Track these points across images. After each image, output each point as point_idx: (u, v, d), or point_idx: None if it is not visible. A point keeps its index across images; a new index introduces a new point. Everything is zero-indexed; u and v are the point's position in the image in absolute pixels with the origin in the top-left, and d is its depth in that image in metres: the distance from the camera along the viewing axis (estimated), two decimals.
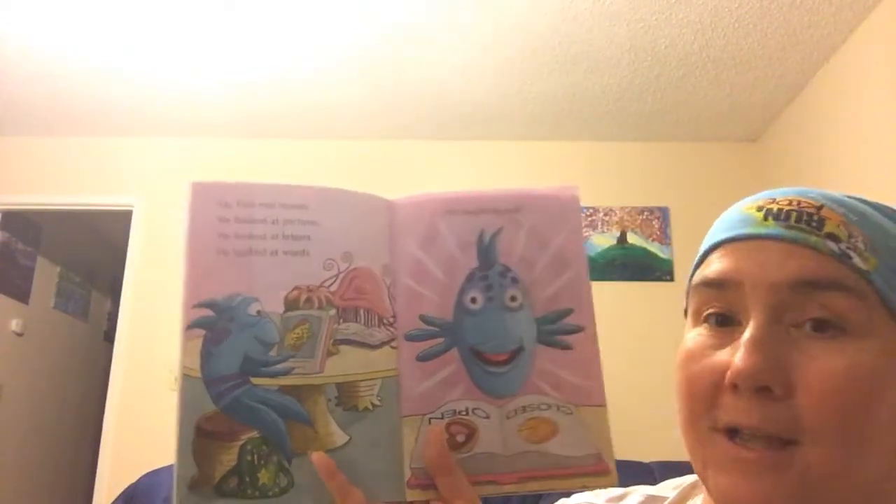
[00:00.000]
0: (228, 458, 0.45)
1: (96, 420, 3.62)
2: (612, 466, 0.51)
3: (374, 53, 2.97)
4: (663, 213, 3.54)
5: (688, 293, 0.55)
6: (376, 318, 0.49)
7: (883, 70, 2.59)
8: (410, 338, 0.50)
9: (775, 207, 0.50)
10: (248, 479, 0.45)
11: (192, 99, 3.33)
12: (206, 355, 0.46)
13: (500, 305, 0.51)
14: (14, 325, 3.95)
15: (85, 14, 2.73)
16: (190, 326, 0.46)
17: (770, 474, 0.46)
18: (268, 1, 2.65)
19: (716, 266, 0.51)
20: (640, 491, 0.63)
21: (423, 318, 0.50)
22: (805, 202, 0.50)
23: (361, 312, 0.49)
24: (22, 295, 4.04)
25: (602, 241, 3.53)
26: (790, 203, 0.50)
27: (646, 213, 3.55)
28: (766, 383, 0.46)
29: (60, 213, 3.92)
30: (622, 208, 3.56)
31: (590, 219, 3.54)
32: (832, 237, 0.48)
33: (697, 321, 0.53)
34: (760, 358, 0.46)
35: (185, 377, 0.46)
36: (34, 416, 4.14)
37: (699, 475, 0.52)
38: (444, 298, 0.50)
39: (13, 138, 3.65)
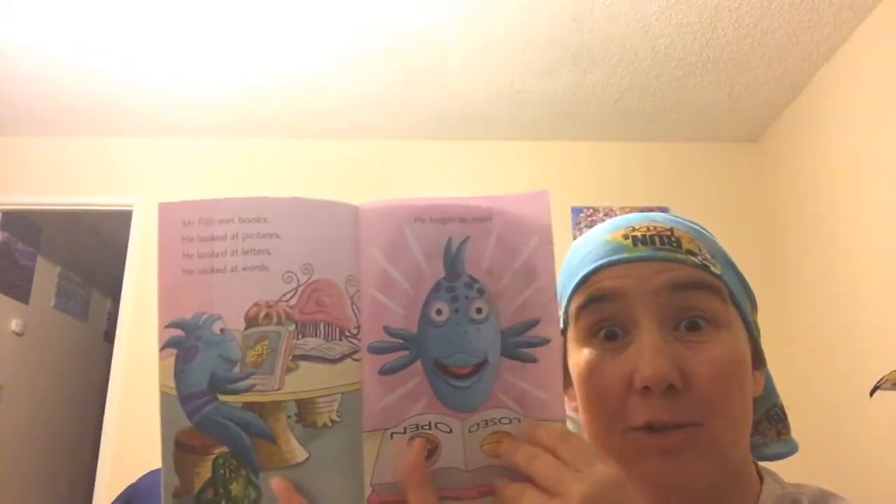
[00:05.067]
0: (204, 471, 0.47)
1: (96, 420, 3.62)
2: None
3: (374, 53, 2.97)
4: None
5: (568, 319, 0.62)
6: (337, 330, 0.48)
7: (883, 70, 2.59)
8: (374, 350, 0.49)
9: (639, 234, 0.60)
10: (221, 490, 0.47)
11: (192, 99, 3.33)
12: (179, 373, 0.48)
13: (466, 317, 0.49)
14: (14, 325, 3.95)
15: (85, 14, 2.73)
16: (163, 346, 0.48)
17: (688, 454, 0.54)
18: (268, 1, 2.65)
19: (600, 285, 0.59)
20: None
21: (387, 330, 0.49)
22: (658, 226, 0.60)
23: (321, 326, 0.48)
24: (22, 295, 4.04)
25: None
26: (648, 229, 0.60)
27: None
28: (670, 381, 0.54)
29: (60, 213, 3.92)
30: (622, 208, 3.56)
31: (590, 219, 3.54)
32: (690, 252, 0.58)
33: (587, 340, 0.59)
34: (663, 361, 0.54)
35: (163, 395, 0.48)
36: (34, 417, 4.14)
37: None
38: (409, 310, 0.49)
39: (13, 138, 3.65)
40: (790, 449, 0.67)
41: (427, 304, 0.49)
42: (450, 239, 0.50)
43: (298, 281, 0.48)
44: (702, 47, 2.89)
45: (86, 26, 2.80)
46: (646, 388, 0.54)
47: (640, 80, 3.13)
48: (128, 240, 3.54)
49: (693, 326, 0.56)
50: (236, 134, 3.64)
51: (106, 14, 2.73)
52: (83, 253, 4.63)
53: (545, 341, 0.49)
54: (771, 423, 0.67)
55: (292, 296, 0.48)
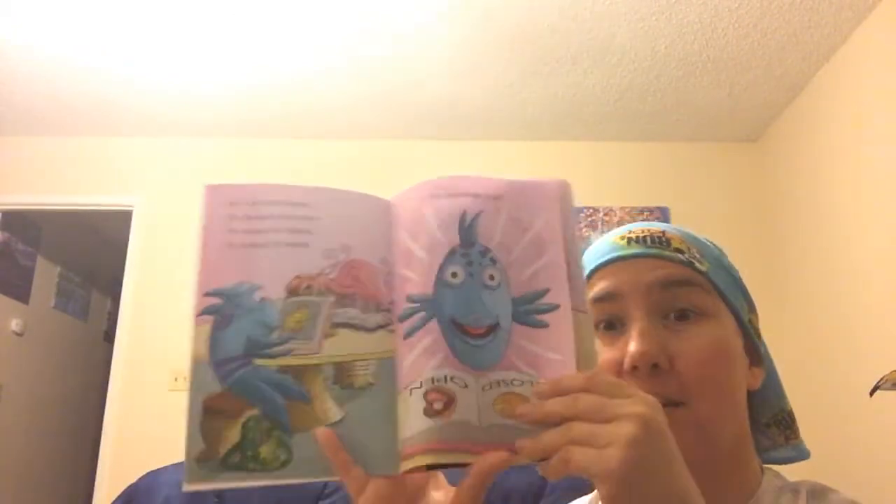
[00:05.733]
0: (233, 435, 0.48)
1: (96, 420, 3.62)
2: None
3: (373, 53, 2.97)
4: (663, 213, 3.54)
5: None
6: (373, 304, 0.52)
7: (883, 70, 2.59)
8: (400, 319, 0.52)
9: (634, 236, 0.67)
10: (250, 453, 0.48)
11: (192, 99, 3.33)
12: (214, 340, 0.50)
13: (480, 282, 0.52)
14: (14, 325, 3.95)
15: (85, 14, 2.73)
16: (200, 314, 0.50)
17: (673, 432, 0.54)
18: (268, 1, 2.65)
19: (600, 285, 0.66)
20: (590, 495, 0.73)
21: (408, 298, 0.52)
22: (653, 230, 0.67)
23: (358, 299, 0.52)
24: (22, 295, 4.04)
25: None
26: (643, 231, 0.67)
27: (646, 213, 3.55)
28: (655, 360, 0.60)
29: (60, 213, 3.92)
30: (622, 208, 3.56)
31: (590, 219, 3.54)
32: (678, 251, 0.65)
33: None
34: (648, 342, 0.60)
35: (195, 361, 0.49)
36: (34, 417, 4.14)
37: None
38: (426, 276, 0.52)
39: (13, 138, 3.65)
40: (799, 454, 0.70)
41: (443, 267, 0.52)
42: (464, 212, 0.53)
43: (338, 258, 0.52)
44: (702, 47, 2.89)
45: (86, 26, 2.80)
46: (634, 368, 0.60)
47: (640, 80, 3.13)
48: (128, 240, 3.54)
49: (682, 317, 0.63)
50: (236, 134, 3.64)
51: (106, 14, 2.73)
52: (83, 253, 4.63)
53: (555, 307, 0.51)
54: (779, 429, 0.70)
55: (332, 271, 0.52)
